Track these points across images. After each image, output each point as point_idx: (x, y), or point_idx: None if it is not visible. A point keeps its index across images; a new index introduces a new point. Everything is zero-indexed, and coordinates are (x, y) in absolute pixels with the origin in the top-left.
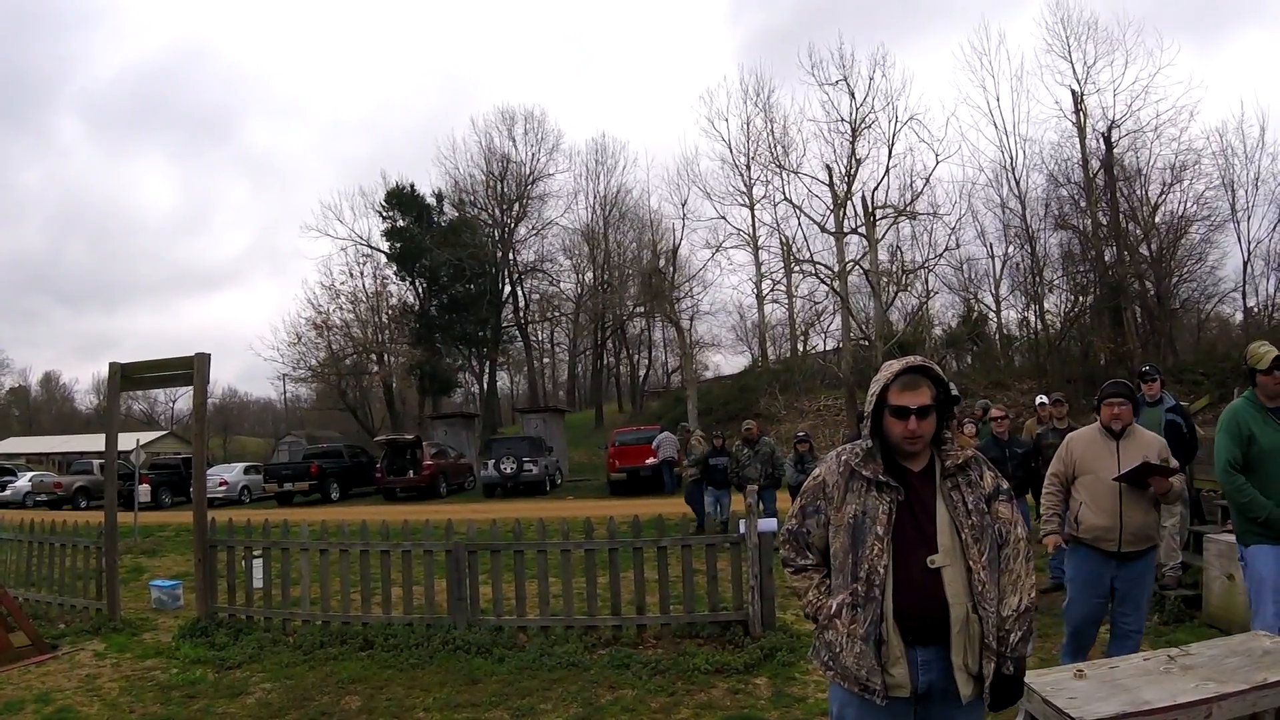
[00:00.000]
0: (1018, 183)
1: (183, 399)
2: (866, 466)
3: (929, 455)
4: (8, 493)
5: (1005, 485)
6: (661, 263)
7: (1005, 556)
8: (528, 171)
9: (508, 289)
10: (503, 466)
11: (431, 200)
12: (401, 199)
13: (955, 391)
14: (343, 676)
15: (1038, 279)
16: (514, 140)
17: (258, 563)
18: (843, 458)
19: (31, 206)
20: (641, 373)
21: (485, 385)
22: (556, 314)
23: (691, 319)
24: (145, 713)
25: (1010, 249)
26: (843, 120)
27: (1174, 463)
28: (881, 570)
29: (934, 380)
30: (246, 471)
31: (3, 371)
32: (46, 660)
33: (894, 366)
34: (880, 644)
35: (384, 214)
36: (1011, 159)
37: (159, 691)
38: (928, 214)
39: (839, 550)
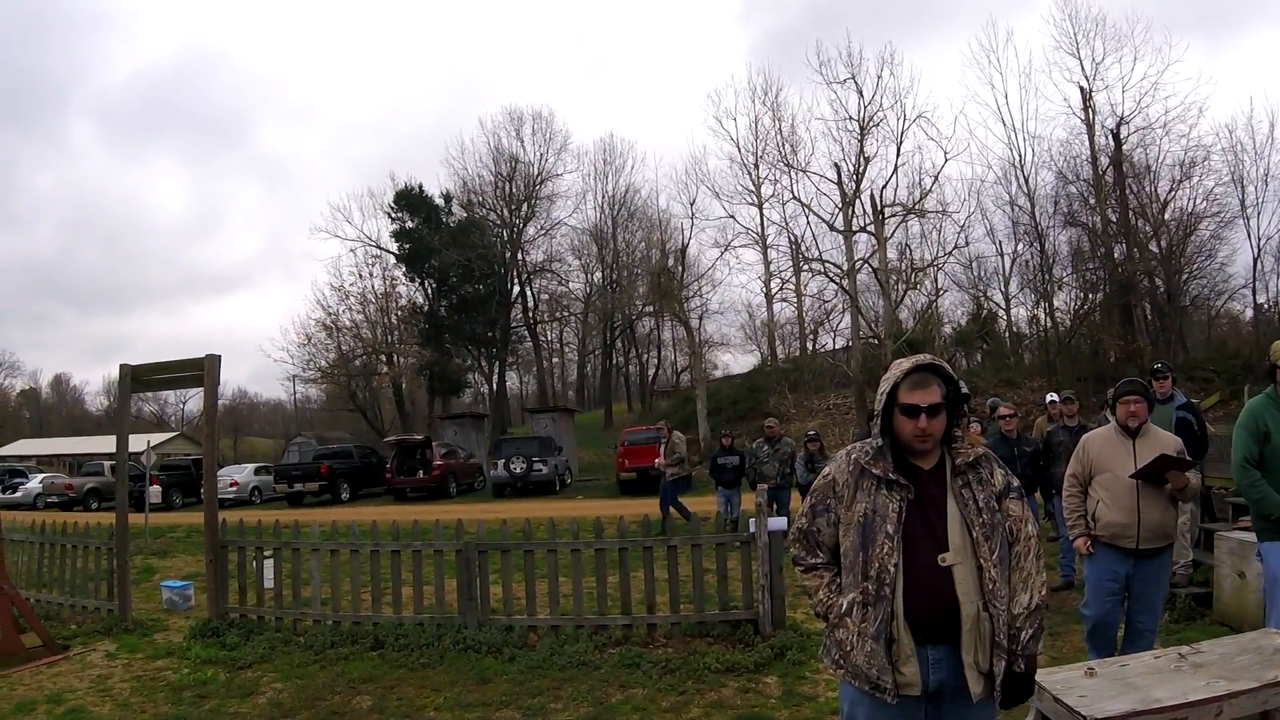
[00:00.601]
0: (1026, 180)
1: (193, 400)
2: (876, 465)
3: (939, 453)
4: (19, 494)
5: (1015, 483)
6: (670, 262)
7: (1016, 554)
8: (536, 172)
9: (516, 289)
10: (512, 466)
11: (440, 201)
12: (410, 200)
13: (965, 389)
14: (354, 676)
15: (1047, 276)
16: (522, 141)
17: (268, 563)
18: (853, 456)
19: (43, 210)
20: (650, 372)
21: (494, 385)
22: (565, 314)
23: (700, 318)
24: (157, 713)
25: (1019, 246)
26: (851, 118)
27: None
28: (892, 569)
29: (944, 378)
30: (257, 472)
31: (13, 374)
32: (58, 661)
33: (904, 365)
34: (891, 642)
35: (393, 215)
36: (1020, 156)
37: (170, 692)
38: (936, 212)
39: (849, 549)
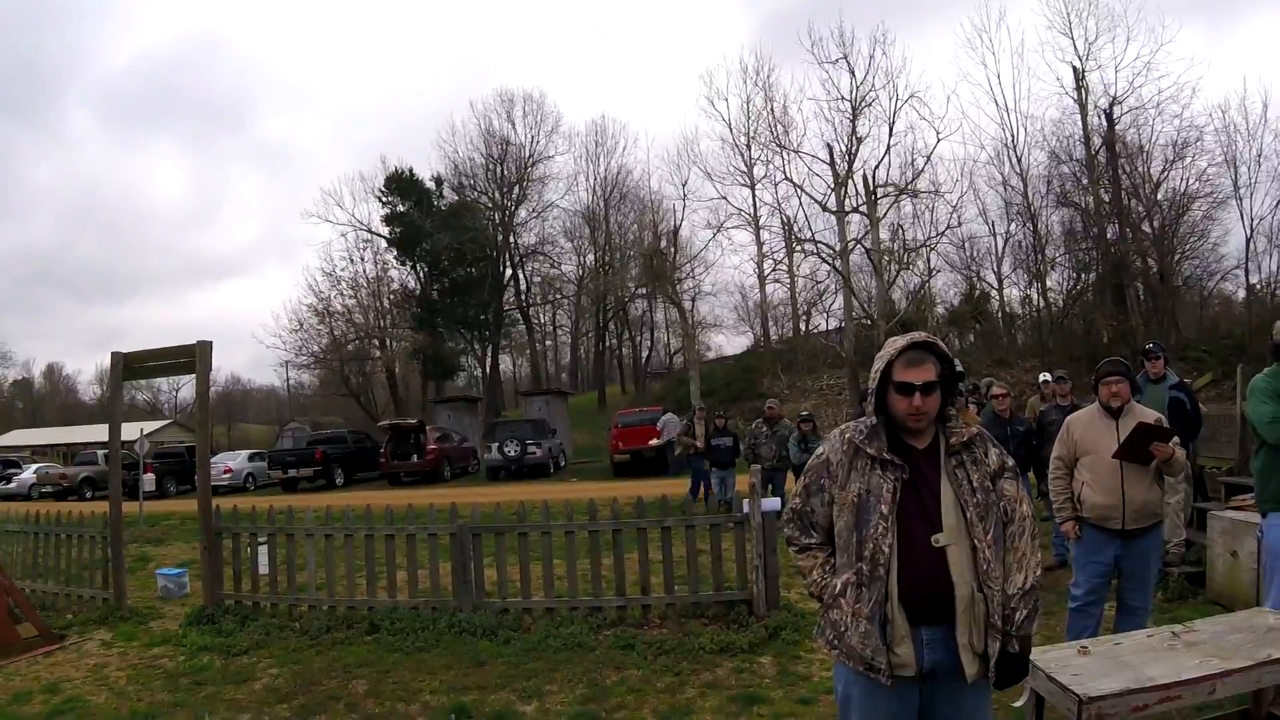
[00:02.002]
0: (1019, 160)
1: (186, 388)
2: (870, 444)
3: (933, 433)
4: (13, 485)
5: (1010, 463)
6: (663, 244)
7: (1010, 534)
8: (527, 154)
9: (509, 272)
10: (506, 450)
11: (431, 184)
12: (401, 183)
13: (960, 368)
14: (349, 661)
15: (1040, 257)
16: (513, 123)
17: (263, 549)
18: (846, 435)
19: (41, 200)
20: (644, 354)
21: (488, 369)
22: (558, 296)
23: (693, 300)
24: (153, 701)
25: (1012, 226)
26: (843, 99)
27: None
28: (886, 549)
29: (939, 356)
30: (251, 458)
31: (5, 364)
32: (54, 651)
33: (898, 342)
34: (885, 623)
35: (383, 199)
36: (1013, 136)
37: (167, 679)
38: (929, 192)
39: (843, 529)
